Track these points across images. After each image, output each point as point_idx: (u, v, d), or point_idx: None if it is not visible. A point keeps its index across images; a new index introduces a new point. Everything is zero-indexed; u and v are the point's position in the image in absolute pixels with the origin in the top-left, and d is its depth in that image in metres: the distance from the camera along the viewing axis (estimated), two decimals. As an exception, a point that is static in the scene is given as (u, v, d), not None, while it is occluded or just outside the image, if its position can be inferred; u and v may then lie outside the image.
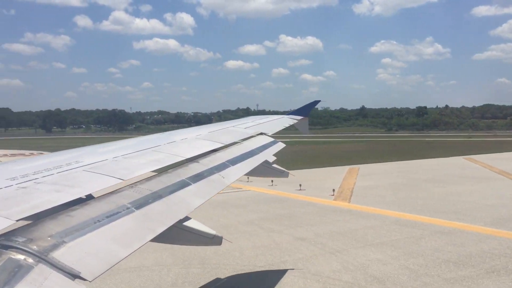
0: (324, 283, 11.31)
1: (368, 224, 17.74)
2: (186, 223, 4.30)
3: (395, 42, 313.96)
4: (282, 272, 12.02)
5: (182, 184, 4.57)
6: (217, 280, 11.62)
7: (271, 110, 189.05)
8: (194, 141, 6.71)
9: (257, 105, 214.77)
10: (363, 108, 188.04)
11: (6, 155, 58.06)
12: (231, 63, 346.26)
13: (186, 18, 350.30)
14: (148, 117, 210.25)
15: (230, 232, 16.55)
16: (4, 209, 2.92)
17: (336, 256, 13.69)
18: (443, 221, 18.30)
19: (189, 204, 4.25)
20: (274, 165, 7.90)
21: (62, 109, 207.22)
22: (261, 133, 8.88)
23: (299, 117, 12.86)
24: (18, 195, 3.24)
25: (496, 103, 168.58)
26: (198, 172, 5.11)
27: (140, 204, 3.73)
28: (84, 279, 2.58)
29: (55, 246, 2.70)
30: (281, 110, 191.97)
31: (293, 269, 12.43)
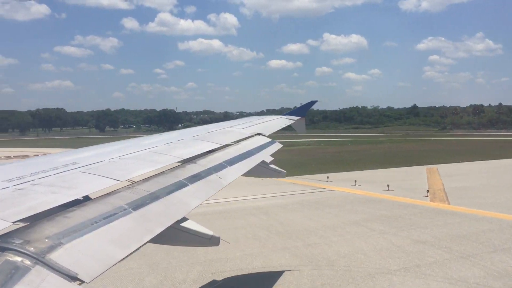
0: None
1: (485, 228, 17.34)
2: (184, 224, 4.29)
3: (443, 39, 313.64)
4: (279, 274, 12.01)
5: (180, 185, 4.56)
6: (214, 282, 11.61)
7: (318, 109, 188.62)
8: (191, 142, 6.71)
9: (301, 104, 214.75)
10: (414, 106, 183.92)
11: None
12: (274, 63, 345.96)
13: (229, 19, 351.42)
14: (195, 116, 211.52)
15: (339, 234, 16.29)
16: (1, 211, 2.91)
17: (470, 261, 13.15)
18: None
19: (186, 205, 4.24)
20: (271, 165, 7.91)
21: (112, 109, 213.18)
22: (258, 134, 8.88)
23: (296, 117, 12.88)
24: (14, 196, 3.23)
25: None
26: (195, 172, 5.10)
27: (137, 205, 3.73)
28: (82, 281, 2.58)
29: (52, 248, 2.70)
30: (329, 109, 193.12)
31: (431, 274, 12.10)
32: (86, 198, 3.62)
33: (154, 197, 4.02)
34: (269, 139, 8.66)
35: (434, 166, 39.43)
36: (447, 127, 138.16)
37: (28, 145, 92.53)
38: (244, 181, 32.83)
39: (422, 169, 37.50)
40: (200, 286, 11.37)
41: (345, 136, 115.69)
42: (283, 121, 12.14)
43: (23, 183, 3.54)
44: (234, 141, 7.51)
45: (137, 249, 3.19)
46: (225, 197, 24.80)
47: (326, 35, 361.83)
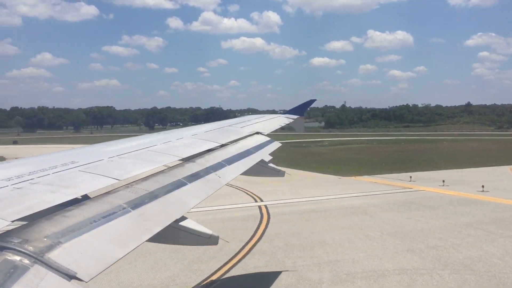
0: None
1: None
2: (183, 223, 4.29)
3: (494, 34, 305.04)
4: (277, 274, 12.01)
5: (178, 184, 4.56)
6: (212, 282, 11.60)
7: (361, 107, 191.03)
8: (190, 141, 6.71)
9: (345, 102, 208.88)
10: (468, 104, 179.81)
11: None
12: (317, 60, 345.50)
13: (272, 17, 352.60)
14: (239, 114, 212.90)
15: (459, 236, 15.44)
16: None
17: None
18: None
19: (185, 204, 4.25)
20: (270, 164, 7.91)
21: (158, 107, 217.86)
22: (257, 132, 8.89)
23: (294, 116, 12.88)
24: (13, 195, 3.23)
25: None
26: (194, 171, 5.11)
27: (136, 204, 3.73)
28: (81, 280, 2.58)
29: (51, 247, 2.70)
30: (369, 107, 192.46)
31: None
32: (85, 197, 3.62)
33: (153, 196, 4.03)
34: (268, 138, 8.67)
35: (523, 167, 37.09)
36: (504, 126, 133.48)
37: (86, 141, 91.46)
38: (320, 179, 32.41)
39: (505, 169, 35.89)
40: (199, 285, 11.35)
41: (396, 134, 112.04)
42: (282, 120, 12.15)
43: (22, 182, 3.54)
44: (233, 140, 7.52)
45: (135, 248, 3.19)
46: (310, 195, 24.34)
47: (370, 32, 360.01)
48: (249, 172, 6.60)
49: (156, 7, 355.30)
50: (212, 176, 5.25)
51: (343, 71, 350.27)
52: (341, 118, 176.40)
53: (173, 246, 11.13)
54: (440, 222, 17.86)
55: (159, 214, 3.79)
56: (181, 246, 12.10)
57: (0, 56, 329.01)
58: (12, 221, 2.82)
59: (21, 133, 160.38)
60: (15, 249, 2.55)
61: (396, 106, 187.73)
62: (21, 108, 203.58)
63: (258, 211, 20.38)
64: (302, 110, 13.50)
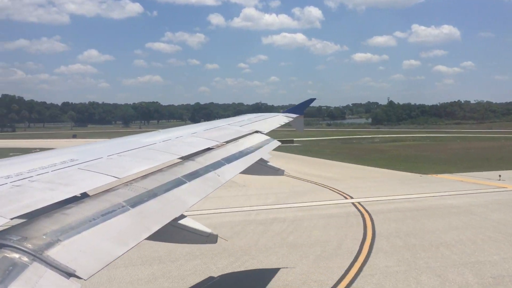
0: None
1: None
2: (182, 221, 4.30)
3: None
4: (275, 271, 12.02)
5: (177, 182, 4.57)
6: (210, 278, 11.60)
7: (410, 104, 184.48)
8: (189, 139, 6.71)
9: (388, 98, 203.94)
10: None
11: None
12: (359, 56, 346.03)
13: (314, 12, 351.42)
14: (281, 110, 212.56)
15: None
16: None
17: None
18: None
19: (184, 202, 4.25)
20: (270, 163, 7.92)
21: (201, 103, 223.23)
22: (257, 131, 8.89)
23: (294, 115, 12.88)
24: (12, 193, 3.23)
25: None
26: (193, 170, 5.11)
27: (135, 202, 3.73)
28: (79, 278, 2.58)
29: (50, 245, 2.70)
30: (413, 103, 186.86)
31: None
32: (84, 195, 3.62)
33: (152, 194, 4.03)
34: (267, 137, 8.67)
35: None
36: None
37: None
38: (400, 176, 31.21)
39: None
40: (199, 282, 11.36)
41: (447, 132, 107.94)
42: (281, 119, 12.15)
43: (21, 179, 3.54)
44: (233, 139, 7.52)
45: (134, 246, 3.20)
46: (400, 193, 23.62)
47: (415, 27, 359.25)
48: (248, 171, 6.61)
49: (199, 4, 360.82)
50: (211, 174, 5.25)
51: (385, 67, 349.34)
52: (389, 114, 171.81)
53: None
54: None
55: (158, 213, 3.79)
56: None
57: (49, 53, 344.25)
58: (11, 219, 2.82)
59: (74, 127, 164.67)
60: (14, 247, 2.55)
61: (447, 102, 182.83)
62: (71, 103, 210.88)
63: (354, 208, 20.01)
64: (302, 109, 13.52)
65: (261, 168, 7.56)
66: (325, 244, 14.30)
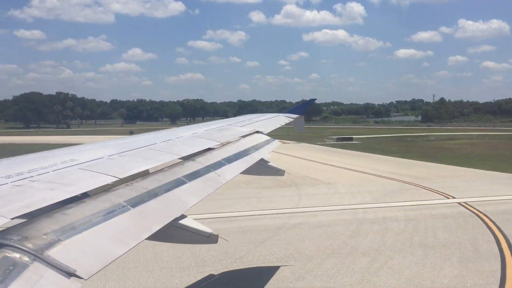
0: None
1: None
2: (182, 221, 4.30)
3: None
4: (275, 269, 12.01)
5: (178, 183, 4.57)
6: (210, 276, 11.60)
7: (462, 101, 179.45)
8: (190, 139, 6.71)
9: (434, 96, 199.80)
10: None
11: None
12: (402, 52, 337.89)
13: (356, 8, 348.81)
14: (325, 108, 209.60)
15: None
16: None
17: None
18: None
19: (185, 203, 4.25)
20: (270, 164, 7.92)
21: (240, 100, 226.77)
22: (257, 131, 8.89)
23: (295, 116, 12.89)
24: (12, 193, 3.23)
25: None
26: (194, 170, 5.11)
27: (135, 202, 3.73)
28: (80, 277, 2.58)
29: (50, 244, 2.70)
30: (459, 99, 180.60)
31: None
32: (85, 195, 3.62)
33: (152, 194, 4.03)
34: (268, 137, 8.67)
35: None
36: None
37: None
38: (489, 176, 29.12)
39: None
40: (197, 280, 11.35)
41: (504, 130, 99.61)
42: (282, 119, 12.15)
43: (22, 179, 3.54)
44: (233, 139, 7.52)
45: (134, 246, 3.20)
46: (504, 193, 22.50)
47: (461, 21, 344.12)
48: (249, 171, 6.61)
49: (240, 2, 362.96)
50: (211, 175, 5.25)
51: (430, 63, 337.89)
52: (440, 112, 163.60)
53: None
54: None
55: (158, 213, 3.79)
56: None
57: (95, 52, 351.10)
58: (12, 219, 2.82)
59: (124, 124, 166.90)
60: (14, 246, 2.55)
61: (502, 99, 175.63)
62: (119, 100, 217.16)
63: (464, 208, 19.16)
64: (302, 109, 13.55)
65: (261, 168, 7.56)
66: (459, 246, 13.76)
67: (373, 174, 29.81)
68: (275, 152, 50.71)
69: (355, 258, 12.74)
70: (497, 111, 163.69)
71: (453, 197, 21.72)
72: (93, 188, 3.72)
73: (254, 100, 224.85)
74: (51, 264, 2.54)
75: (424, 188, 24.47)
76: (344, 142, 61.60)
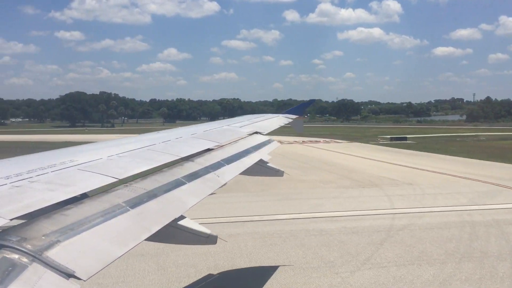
0: None
1: None
2: (181, 222, 4.29)
3: None
4: (275, 268, 12.00)
5: (177, 183, 4.57)
6: (209, 275, 11.58)
7: (510, 99, 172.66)
8: (189, 140, 6.71)
9: (474, 95, 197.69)
10: None
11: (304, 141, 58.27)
12: (440, 50, 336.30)
13: (392, 5, 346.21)
14: (362, 107, 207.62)
15: None
16: None
17: None
18: None
19: (184, 203, 4.25)
20: (269, 164, 7.92)
21: (270, 100, 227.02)
22: (256, 132, 8.90)
23: (294, 116, 12.93)
24: (11, 194, 3.23)
25: None
26: (193, 171, 5.11)
27: (135, 203, 3.73)
28: (79, 278, 2.58)
29: (49, 245, 2.70)
30: (499, 98, 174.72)
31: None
32: (84, 196, 3.62)
33: (151, 195, 4.03)
34: (267, 138, 8.68)
35: None
36: None
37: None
38: None
39: None
40: (196, 280, 11.33)
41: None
42: (281, 120, 12.17)
43: (21, 180, 3.53)
44: (232, 140, 7.52)
45: (134, 247, 3.20)
46: None
47: (503, 18, 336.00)
48: (248, 172, 6.61)
49: (274, 1, 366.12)
50: (211, 175, 5.25)
51: (469, 61, 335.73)
52: (486, 111, 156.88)
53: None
54: None
55: (157, 213, 3.79)
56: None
57: (132, 52, 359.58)
58: (11, 219, 2.82)
59: (165, 123, 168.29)
60: (13, 247, 2.54)
61: None
62: (158, 100, 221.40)
63: None
64: (301, 110, 13.59)
65: (260, 169, 7.56)
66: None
67: (450, 175, 28.66)
68: (336, 152, 47.48)
69: (492, 263, 12.15)
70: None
71: None
72: (92, 189, 3.72)
73: (290, 99, 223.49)
74: (50, 265, 2.54)
75: (514, 189, 23.39)
76: (399, 142, 59.99)
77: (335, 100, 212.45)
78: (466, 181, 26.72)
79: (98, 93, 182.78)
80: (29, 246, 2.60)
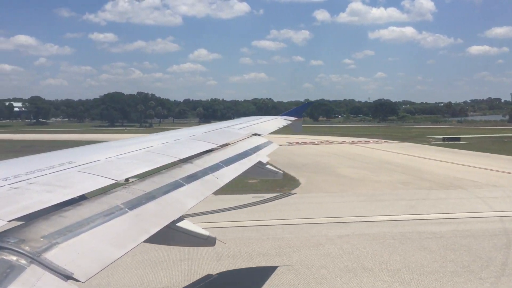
0: None
1: None
2: (180, 224, 4.29)
3: None
4: (274, 268, 11.97)
5: (176, 185, 4.56)
6: (208, 276, 11.55)
7: None
8: (188, 142, 6.71)
9: (511, 94, 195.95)
10: None
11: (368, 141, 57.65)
12: (475, 49, 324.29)
13: (425, 3, 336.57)
14: (398, 108, 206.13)
15: None
16: None
17: None
18: None
19: (183, 205, 4.24)
20: (268, 166, 7.92)
21: (301, 100, 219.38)
22: (255, 134, 8.90)
23: (292, 118, 12.96)
24: (10, 195, 3.22)
25: None
26: (191, 172, 5.11)
27: (133, 204, 3.72)
28: (77, 280, 2.57)
29: (48, 247, 2.69)
30: None
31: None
32: (82, 198, 3.61)
33: (150, 196, 4.02)
34: (266, 140, 8.68)
35: None
36: None
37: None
38: None
39: None
40: (196, 280, 11.29)
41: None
42: (279, 121, 12.18)
43: (19, 181, 3.52)
44: (231, 142, 7.52)
45: (132, 249, 3.19)
46: None
47: None
48: (247, 174, 6.61)
49: (304, 1, 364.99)
50: (209, 177, 5.25)
51: (506, 60, 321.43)
52: None
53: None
54: None
55: (156, 215, 3.78)
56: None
57: (163, 53, 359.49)
58: (9, 221, 2.81)
59: (201, 123, 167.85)
60: (11, 249, 2.54)
61: None
62: (192, 100, 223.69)
63: None
64: (300, 112, 13.64)
65: (259, 170, 7.56)
66: None
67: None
68: (392, 152, 46.51)
69: None
70: None
71: None
72: (90, 190, 3.71)
73: (322, 99, 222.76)
74: (48, 267, 2.53)
75: None
76: (452, 142, 57.67)
77: (367, 100, 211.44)
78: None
79: (135, 94, 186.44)
80: (27, 248, 2.60)
